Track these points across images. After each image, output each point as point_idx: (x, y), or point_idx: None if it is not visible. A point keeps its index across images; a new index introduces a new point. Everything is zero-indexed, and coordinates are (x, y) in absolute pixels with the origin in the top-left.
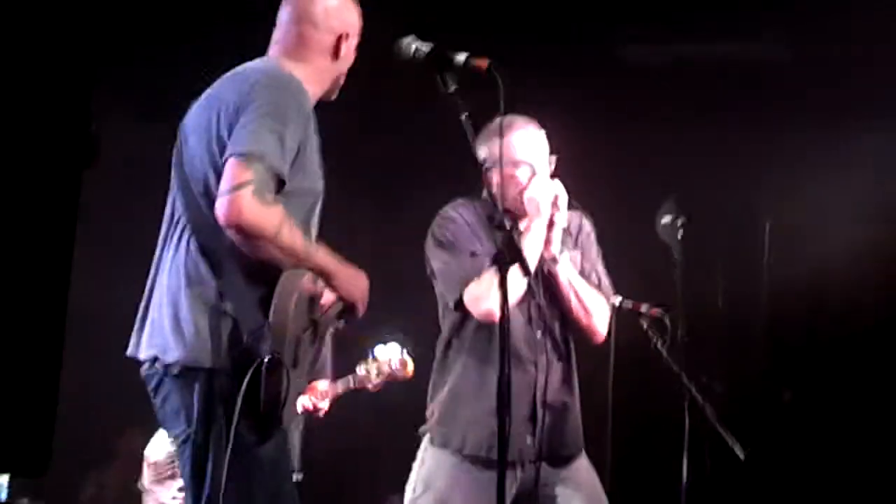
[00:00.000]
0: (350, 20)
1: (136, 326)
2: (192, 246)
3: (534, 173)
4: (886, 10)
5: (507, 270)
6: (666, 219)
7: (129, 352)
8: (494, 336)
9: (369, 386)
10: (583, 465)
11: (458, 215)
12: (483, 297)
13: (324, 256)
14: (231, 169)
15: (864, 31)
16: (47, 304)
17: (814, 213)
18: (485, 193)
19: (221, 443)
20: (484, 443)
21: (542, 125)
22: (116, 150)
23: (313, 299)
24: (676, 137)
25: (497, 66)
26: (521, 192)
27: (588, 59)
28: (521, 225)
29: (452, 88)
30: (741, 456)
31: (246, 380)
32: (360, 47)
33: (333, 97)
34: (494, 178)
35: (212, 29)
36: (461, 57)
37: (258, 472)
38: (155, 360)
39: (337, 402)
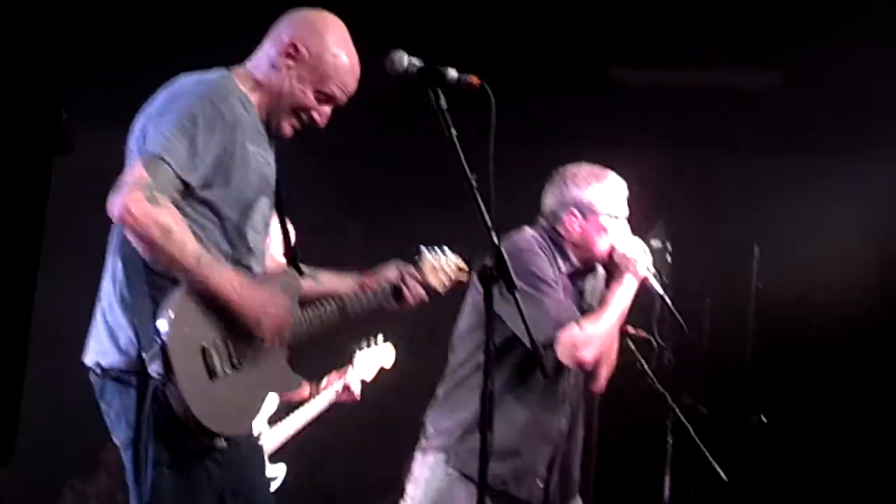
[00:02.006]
0: (311, 43)
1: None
2: (117, 252)
3: (624, 227)
4: (882, 42)
5: (491, 285)
6: (655, 242)
7: (83, 359)
8: (533, 377)
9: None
10: None
11: (540, 252)
12: (583, 345)
13: (223, 277)
14: (133, 166)
15: (859, 61)
16: (12, 295)
17: (803, 239)
18: (543, 225)
19: (161, 446)
20: (500, 477)
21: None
22: (88, 155)
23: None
24: (668, 161)
25: (488, 84)
26: (612, 246)
27: (580, 80)
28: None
29: (443, 104)
30: (724, 478)
31: (147, 401)
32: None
33: (282, 132)
34: (578, 224)
35: (183, 38)
36: (453, 73)
37: (203, 480)
38: (97, 365)
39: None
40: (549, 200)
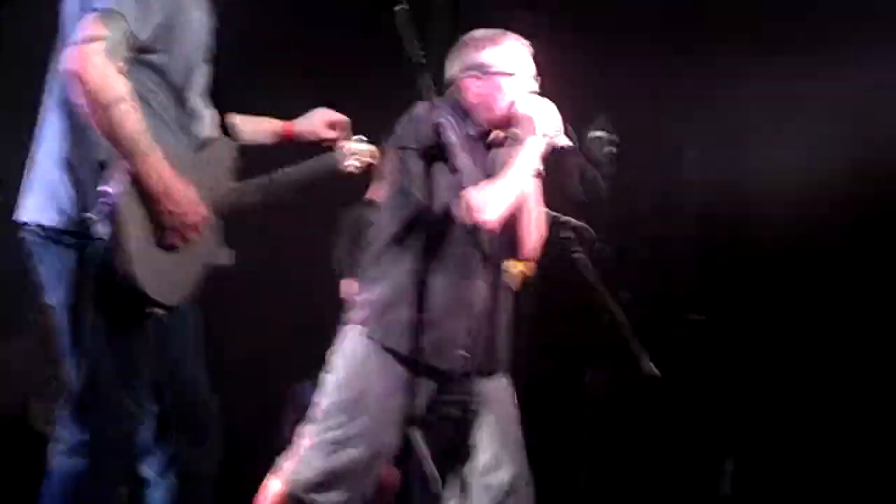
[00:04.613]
0: None
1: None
2: (61, 110)
3: (523, 87)
4: None
5: (433, 164)
6: (595, 133)
7: (15, 215)
8: (448, 245)
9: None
10: (502, 384)
11: (443, 118)
12: (481, 206)
13: (154, 165)
14: (88, 22)
15: None
16: None
17: (740, 140)
18: (453, 99)
19: (98, 309)
20: (420, 349)
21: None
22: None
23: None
24: (608, 58)
25: None
26: (510, 106)
27: None
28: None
29: None
30: (651, 372)
31: (90, 264)
32: None
33: None
34: (476, 86)
35: None
36: None
37: (139, 346)
38: (34, 223)
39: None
40: (450, 68)
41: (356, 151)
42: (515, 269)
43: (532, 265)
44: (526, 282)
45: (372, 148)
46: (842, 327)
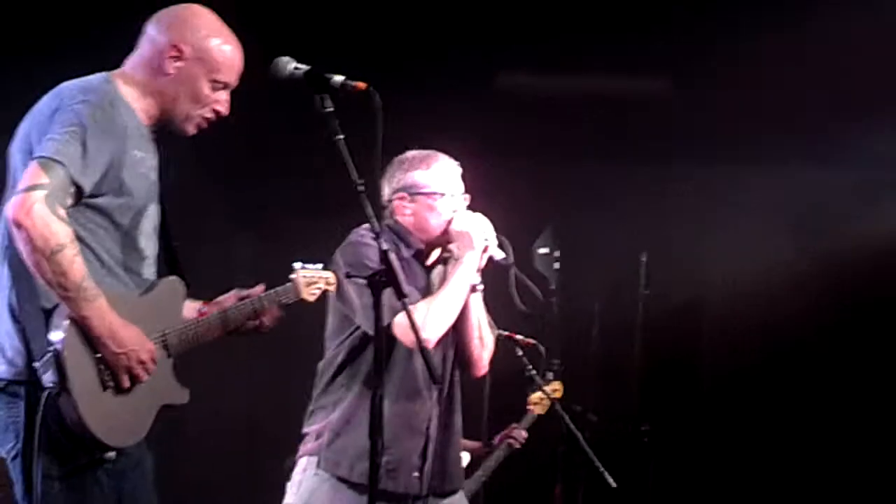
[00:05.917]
0: (192, 39)
1: None
2: (8, 260)
3: (453, 205)
4: (772, 54)
5: (381, 291)
6: (543, 249)
7: None
8: (392, 367)
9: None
10: (456, 501)
11: (374, 242)
12: (422, 326)
13: (98, 310)
14: (30, 170)
15: (748, 75)
16: None
17: (692, 247)
18: (388, 222)
19: (51, 458)
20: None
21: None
22: None
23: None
24: (556, 167)
25: (374, 89)
26: (446, 224)
27: (468, 87)
28: (432, 256)
29: (329, 109)
30: (612, 484)
31: (38, 412)
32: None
33: (186, 132)
34: (407, 208)
35: (57, 42)
36: (339, 78)
37: (94, 491)
38: None
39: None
40: (384, 191)
41: (313, 279)
42: (539, 398)
43: (558, 389)
44: (554, 404)
45: (328, 274)
46: (785, 441)
